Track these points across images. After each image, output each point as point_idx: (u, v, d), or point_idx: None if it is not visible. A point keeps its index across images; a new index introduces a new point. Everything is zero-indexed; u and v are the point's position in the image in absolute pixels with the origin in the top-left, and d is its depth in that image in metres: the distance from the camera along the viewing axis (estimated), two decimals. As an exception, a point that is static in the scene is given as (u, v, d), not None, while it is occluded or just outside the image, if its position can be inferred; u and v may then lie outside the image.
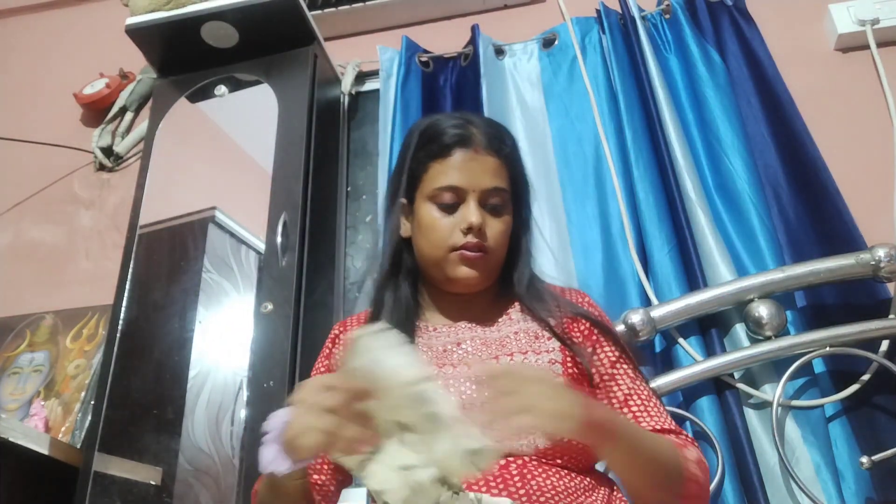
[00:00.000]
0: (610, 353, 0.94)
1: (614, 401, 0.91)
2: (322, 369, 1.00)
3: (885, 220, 1.47)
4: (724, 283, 1.36)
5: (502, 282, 1.01)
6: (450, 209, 0.94)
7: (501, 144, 0.97)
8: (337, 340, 1.01)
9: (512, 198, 0.99)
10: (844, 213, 1.43)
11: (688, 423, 1.29)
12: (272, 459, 0.71)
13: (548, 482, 0.82)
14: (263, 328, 1.43)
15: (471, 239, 0.92)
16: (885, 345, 1.28)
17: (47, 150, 2.09)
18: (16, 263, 1.99)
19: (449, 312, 0.99)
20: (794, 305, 1.37)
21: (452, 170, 0.94)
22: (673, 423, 0.90)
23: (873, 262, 1.27)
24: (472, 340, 0.94)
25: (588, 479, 0.86)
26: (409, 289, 0.98)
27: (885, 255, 1.26)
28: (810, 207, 1.49)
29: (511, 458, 0.83)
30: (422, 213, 0.96)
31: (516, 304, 0.99)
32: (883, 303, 1.32)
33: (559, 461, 0.85)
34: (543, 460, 0.84)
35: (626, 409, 0.90)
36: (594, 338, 0.95)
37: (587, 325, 0.96)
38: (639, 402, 0.91)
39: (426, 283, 1.01)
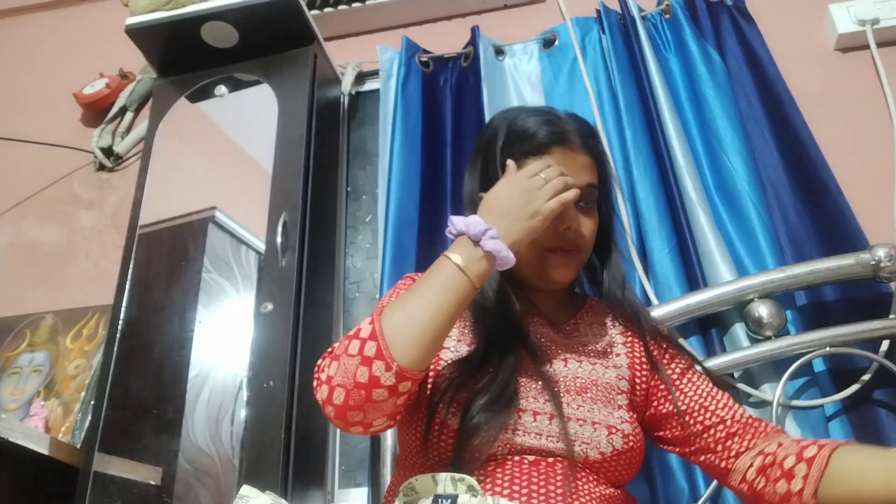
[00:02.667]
0: (681, 364, 0.98)
1: (689, 399, 0.94)
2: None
3: (885, 219, 1.47)
4: (724, 282, 1.36)
5: (576, 280, 1.03)
6: None
7: (595, 142, 0.97)
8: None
9: (600, 194, 0.98)
10: (845, 213, 1.43)
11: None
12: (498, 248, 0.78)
13: (585, 487, 0.83)
14: (263, 328, 1.43)
15: (568, 239, 0.92)
16: (885, 345, 1.28)
17: (47, 150, 2.09)
18: (16, 263, 1.98)
19: (522, 304, 0.96)
20: (794, 305, 1.37)
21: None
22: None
23: (873, 262, 1.27)
24: (541, 336, 0.94)
25: (619, 492, 0.88)
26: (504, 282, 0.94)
27: (886, 255, 1.26)
28: (810, 207, 1.49)
29: (559, 459, 0.84)
30: None
31: (586, 309, 1.02)
32: (883, 302, 1.32)
33: (601, 475, 0.86)
34: (588, 469, 0.85)
35: (709, 400, 0.94)
36: (665, 352, 0.99)
37: (662, 344, 0.99)
38: (721, 394, 0.95)
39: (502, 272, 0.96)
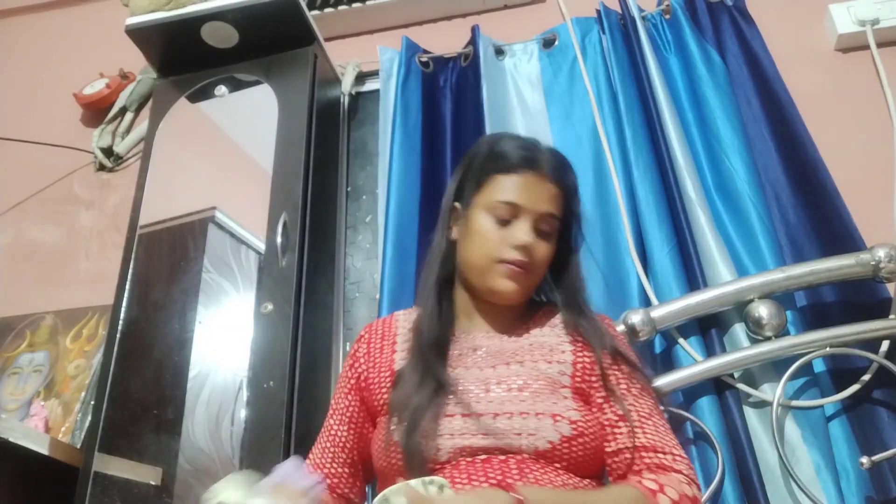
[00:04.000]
0: (626, 378, 0.99)
1: (612, 416, 0.94)
2: (350, 375, 1.06)
3: (885, 220, 1.47)
4: (724, 283, 1.36)
5: (530, 301, 1.08)
6: (504, 223, 0.98)
7: (564, 175, 1.03)
8: (360, 342, 1.08)
9: (561, 226, 1.04)
10: (844, 214, 1.43)
11: (688, 423, 1.29)
12: None
13: (544, 477, 0.85)
14: (263, 328, 1.43)
15: (518, 256, 0.97)
16: (885, 345, 1.28)
17: (47, 150, 2.09)
18: (16, 263, 1.99)
19: (474, 318, 1.04)
20: (794, 305, 1.37)
21: (516, 187, 0.98)
22: (670, 443, 0.93)
23: (873, 263, 1.27)
24: (487, 347, 0.99)
25: (589, 482, 0.89)
26: (448, 292, 1.04)
27: (885, 256, 1.26)
28: (810, 207, 1.49)
29: (511, 455, 0.86)
30: (475, 221, 1.00)
31: (540, 315, 1.05)
32: (883, 303, 1.32)
33: (557, 464, 0.87)
34: (542, 461, 0.86)
35: (617, 427, 0.94)
36: (617, 360, 1.00)
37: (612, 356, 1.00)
38: (636, 417, 0.94)
39: (460, 286, 1.05)
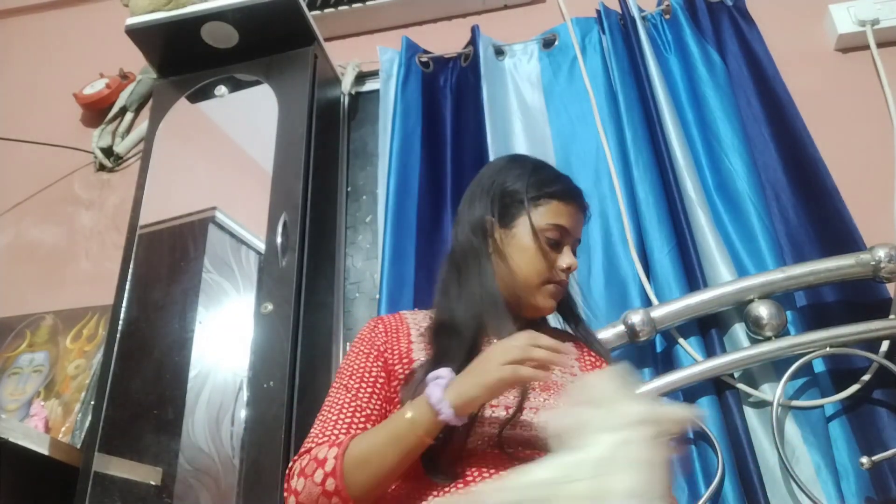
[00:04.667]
0: None
1: None
2: (373, 345, 1.01)
3: (885, 220, 1.47)
4: (724, 283, 1.36)
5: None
6: (554, 245, 1.04)
7: (587, 208, 1.13)
8: (377, 329, 1.04)
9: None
10: (844, 214, 1.43)
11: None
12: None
13: None
14: (263, 328, 1.43)
15: (564, 278, 1.05)
16: (885, 345, 1.28)
17: (47, 150, 2.09)
18: (16, 263, 1.99)
19: (503, 326, 1.02)
20: (794, 306, 1.37)
21: (568, 216, 1.06)
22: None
23: (873, 263, 1.27)
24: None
25: None
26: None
27: (885, 256, 1.26)
28: (810, 208, 1.49)
29: (536, 451, 0.87)
30: (524, 239, 1.04)
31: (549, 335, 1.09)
32: (883, 303, 1.32)
33: None
34: None
35: None
36: None
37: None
38: None
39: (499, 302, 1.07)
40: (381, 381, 0.96)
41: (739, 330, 1.35)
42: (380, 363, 0.98)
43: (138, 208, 1.67)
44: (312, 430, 0.93)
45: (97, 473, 1.37)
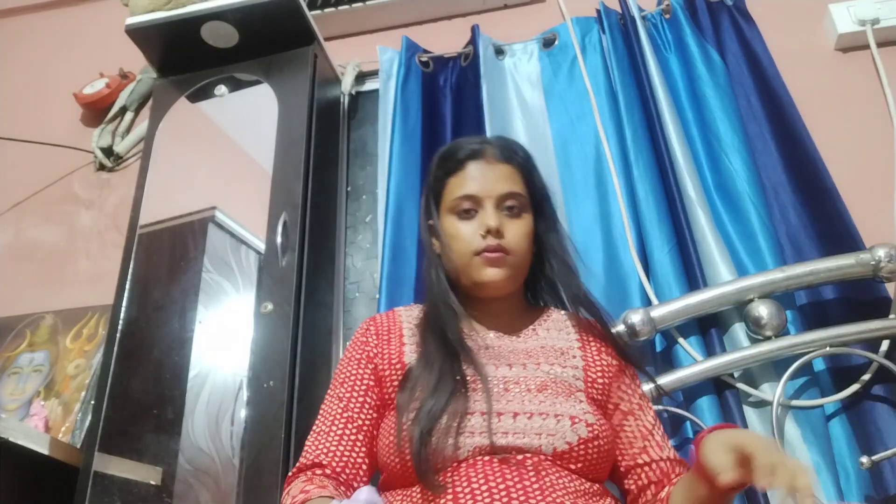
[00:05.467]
0: (637, 388, 1.03)
1: (642, 428, 0.99)
2: (363, 352, 1.02)
3: (885, 220, 1.47)
4: (724, 282, 1.36)
5: (532, 292, 1.11)
6: (469, 217, 1.01)
7: (512, 153, 1.06)
8: (368, 332, 1.04)
9: (532, 203, 1.05)
10: (844, 213, 1.43)
11: (688, 423, 1.29)
12: None
13: (560, 481, 0.85)
14: (263, 328, 1.43)
15: (490, 241, 0.98)
16: (885, 345, 1.28)
17: (47, 150, 2.09)
18: (16, 263, 1.99)
19: (478, 321, 1.04)
20: (794, 305, 1.37)
21: (467, 180, 1.02)
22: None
23: (873, 262, 1.27)
24: (498, 347, 1.00)
25: (597, 486, 0.90)
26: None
27: (885, 255, 1.26)
28: (810, 207, 1.49)
29: (528, 455, 0.86)
30: (445, 226, 1.03)
31: (545, 317, 1.07)
32: (883, 303, 1.32)
33: (573, 466, 0.88)
34: (558, 462, 0.87)
35: (650, 438, 0.99)
36: (623, 367, 1.03)
37: (613, 353, 1.04)
38: (660, 434, 1.00)
39: (457, 294, 1.04)
40: (372, 389, 0.98)
41: (739, 329, 1.35)
42: (370, 369, 0.99)
43: (138, 208, 1.67)
44: (307, 441, 0.97)
45: (97, 473, 1.37)
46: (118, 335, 1.51)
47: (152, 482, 1.36)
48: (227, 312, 1.52)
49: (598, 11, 1.82)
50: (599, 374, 1.00)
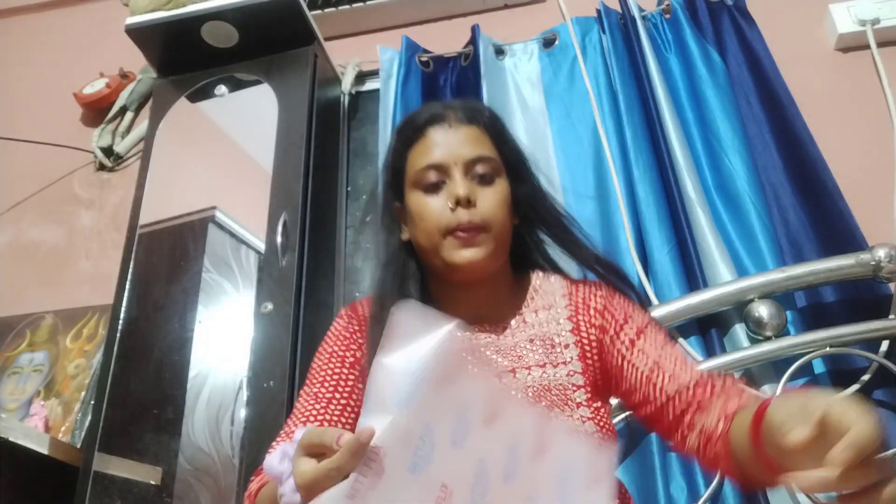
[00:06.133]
0: (630, 332, 0.87)
1: (641, 375, 0.83)
2: (347, 350, 0.91)
3: (885, 220, 1.47)
4: (724, 283, 1.36)
5: (516, 268, 0.95)
6: (435, 189, 0.88)
7: (477, 114, 0.93)
8: (352, 321, 0.94)
9: (506, 166, 0.92)
10: (844, 213, 1.43)
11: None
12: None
13: None
14: (263, 328, 1.43)
15: (463, 217, 0.84)
16: (885, 345, 1.28)
17: (47, 150, 2.09)
18: (16, 263, 1.99)
19: (463, 313, 0.85)
20: (794, 306, 1.37)
21: (430, 148, 0.89)
22: (703, 372, 0.82)
23: (873, 263, 1.27)
24: (486, 350, 0.89)
25: None
26: (419, 294, 0.90)
27: (886, 256, 1.26)
28: (810, 207, 1.49)
29: None
30: (410, 204, 0.90)
31: (532, 291, 0.93)
32: (883, 303, 1.32)
33: None
34: None
35: (657, 375, 0.82)
36: (607, 305, 0.89)
37: (599, 310, 0.89)
38: (671, 361, 0.83)
39: (435, 281, 0.93)
40: (356, 387, 0.88)
41: (739, 330, 1.35)
42: (357, 380, 0.89)
43: (138, 208, 1.67)
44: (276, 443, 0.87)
45: (97, 473, 1.37)
46: (118, 335, 1.52)
47: (152, 482, 1.36)
48: (227, 312, 1.52)
49: (599, 11, 1.82)
50: (594, 339, 0.88)
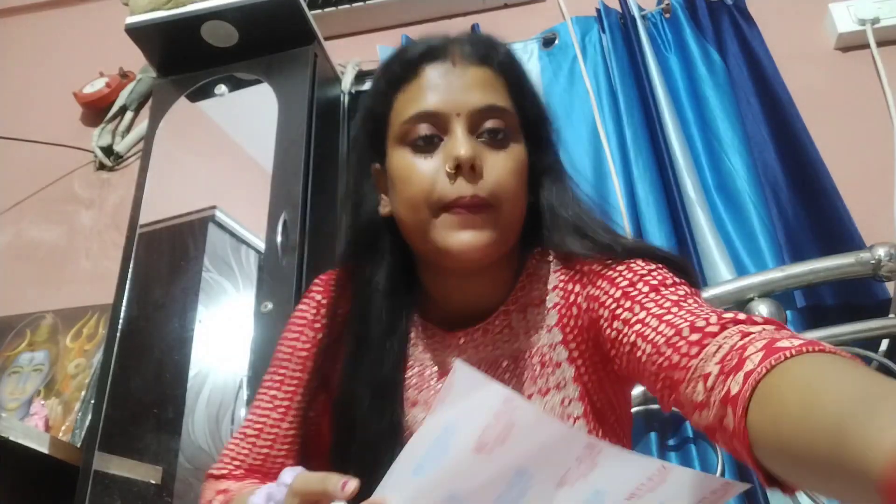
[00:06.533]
0: (612, 305, 0.64)
1: (625, 340, 0.61)
2: (312, 338, 0.79)
3: (884, 219, 1.47)
4: (723, 282, 1.36)
5: (523, 253, 0.74)
6: (428, 147, 0.66)
7: (490, 51, 0.70)
8: (319, 311, 0.82)
9: (523, 126, 0.70)
10: (844, 213, 1.44)
11: (688, 422, 1.29)
12: None
13: None
14: (263, 327, 1.43)
15: (464, 189, 0.63)
16: (884, 344, 1.28)
17: (47, 149, 2.09)
18: (16, 263, 1.99)
19: (450, 306, 0.73)
20: (793, 305, 1.37)
21: (424, 91, 0.67)
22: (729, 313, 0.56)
23: (873, 262, 1.27)
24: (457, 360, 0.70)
25: None
26: (389, 283, 0.72)
27: (885, 254, 1.26)
28: (810, 207, 1.49)
29: None
30: (393, 166, 0.68)
31: (524, 278, 0.73)
32: (882, 302, 1.33)
33: None
34: None
35: (642, 338, 0.59)
36: (591, 290, 0.68)
37: (583, 308, 0.68)
38: (668, 310, 0.59)
39: (421, 265, 0.74)
40: (314, 397, 0.76)
41: (739, 329, 1.35)
42: (303, 356, 0.78)
43: (138, 207, 1.67)
44: (229, 442, 0.79)
45: (97, 472, 1.37)
46: (118, 334, 1.51)
47: (152, 481, 1.36)
48: (227, 312, 1.52)
49: (598, 11, 1.82)
50: (586, 349, 0.69)
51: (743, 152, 1.54)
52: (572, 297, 0.70)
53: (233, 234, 1.61)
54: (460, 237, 0.64)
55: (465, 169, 0.64)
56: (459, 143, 0.64)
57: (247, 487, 0.73)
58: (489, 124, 0.67)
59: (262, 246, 1.53)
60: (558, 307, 0.71)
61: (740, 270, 1.42)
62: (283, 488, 0.57)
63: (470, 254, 0.65)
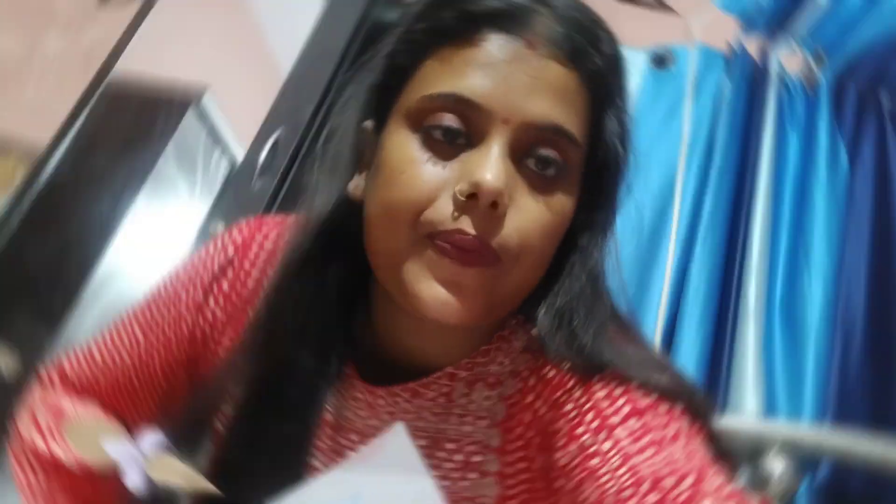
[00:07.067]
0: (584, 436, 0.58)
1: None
2: (203, 296, 0.71)
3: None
4: (745, 419, 1.33)
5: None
6: (445, 146, 0.56)
7: (590, 45, 0.59)
8: (243, 262, 0.71)
9: (588, 165, 0.61)
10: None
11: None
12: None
13: None
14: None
15: (467, 225, 0.54)
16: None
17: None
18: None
19: (392, 348, 0.66)
20: (813, 474, 1.34)
21: (472, 67, 0.56)
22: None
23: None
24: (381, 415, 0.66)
25: None
26: (334, 299, 0.64)
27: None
28: (883, 370, 1.45)
29: None
30: (389, 146, 0.58)
31: (494, 348, 0.65)
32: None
33: None
34: None
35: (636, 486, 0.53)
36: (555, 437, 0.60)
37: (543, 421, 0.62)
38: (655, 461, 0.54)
39: (379, 291, 0.65)
40: (183, 357, 0.72)
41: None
42: (195, 334, 0.72)
43: (119, 53, 1.65)
44: (73, 353, 0.75)
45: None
46: (35, 191, 1.49)
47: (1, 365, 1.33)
48: (169, 215, 1.50)
49: (732, 49, 1.77)
50: (523, 471, 0.63)
51: (829, 280, 1.51)
52: (529, 398, 0.63)
53: (211, 130, 1.58)
54: (435, 291, 0.55)
55: (483, 204, 0.53)
56: (489, 165, 0.53)
57: (83, 415, 0.70)
58: (543, 151, 0.56)
59: (239, 156, 1.49)
60: (510, 402, 0.64)
61: (769, 408, 1.39)
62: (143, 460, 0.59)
63: (441, 316, 0.55)
